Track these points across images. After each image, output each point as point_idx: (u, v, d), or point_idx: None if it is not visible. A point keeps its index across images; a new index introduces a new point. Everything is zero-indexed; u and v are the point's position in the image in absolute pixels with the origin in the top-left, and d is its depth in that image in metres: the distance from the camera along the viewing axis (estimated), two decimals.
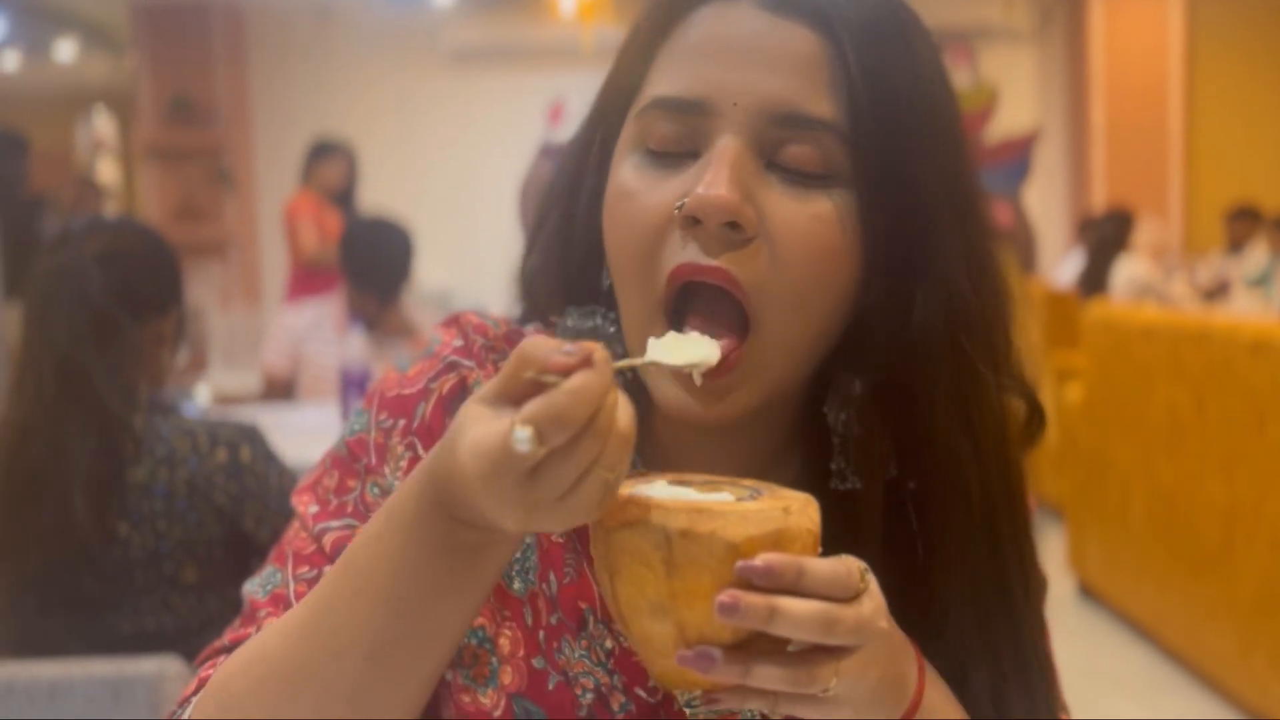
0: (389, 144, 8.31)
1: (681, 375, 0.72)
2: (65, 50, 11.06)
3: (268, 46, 8.90)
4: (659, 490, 0.66)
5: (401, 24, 8.70)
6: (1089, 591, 4.55)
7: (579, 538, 0.82)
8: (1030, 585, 0.81)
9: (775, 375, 0.74)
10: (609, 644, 0.80)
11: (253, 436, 1.82)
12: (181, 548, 1.75)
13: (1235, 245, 7.59)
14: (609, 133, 0.80)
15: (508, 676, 0.80)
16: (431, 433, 0.81)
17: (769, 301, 0.72)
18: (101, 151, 11.53)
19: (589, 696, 0.80)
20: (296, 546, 0.83)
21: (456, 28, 8.78)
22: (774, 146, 0.73)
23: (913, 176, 0.73)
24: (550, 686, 0.80)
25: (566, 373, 0.58)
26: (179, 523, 1.75)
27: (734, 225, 0.71)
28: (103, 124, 11.57)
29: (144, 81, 8.67)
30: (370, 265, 3.48)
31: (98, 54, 11.08)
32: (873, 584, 0.67)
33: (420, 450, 0.81)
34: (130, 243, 1.86)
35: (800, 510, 0.66)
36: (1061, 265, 7.95)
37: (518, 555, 0.82)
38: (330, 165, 5.72)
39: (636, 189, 0.75)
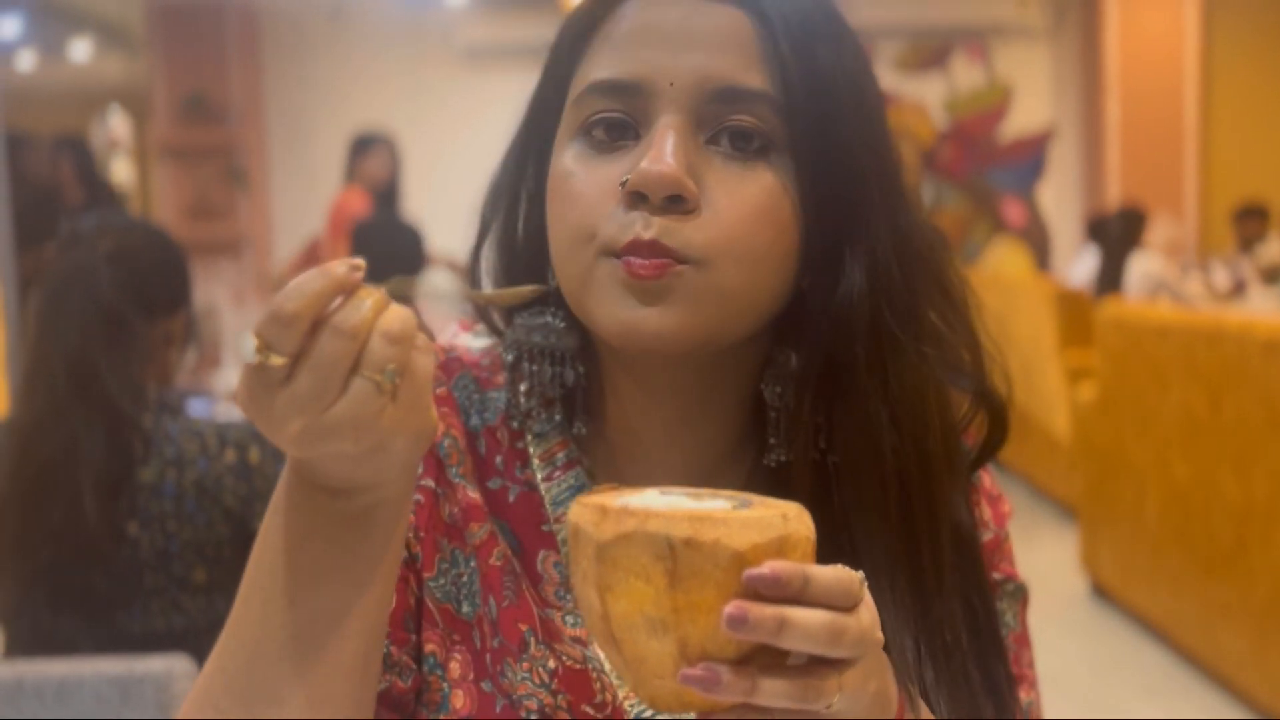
0: (402, 142, 8.26)
1: (629, 283, 0.73)
2: (80, 50, 11.10)
3: (282, 45, 8.92)
4: (652, 500, 0.62)
5: (415, 22, 8.71)
6: (1102, 591, 4.52)
7: (521, 559, 0.82)
8: (946, 573, 0.79)
9: (717, 314, 0.75)
10: (551, 664, 0.79)
11: (261, 437, 1.81)
12: (191, 549, 1.75)
13: (1245, 244, 7.57)
14: (547, 130, 0.82)
15: (459, 701, 0.79)
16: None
17: (711, 257, 0.73)
18: (116, 150, 11.57)
19: (533, 718, 0.78)
20: None
21: (470, 26, 8.78)
22: (713, 123, 0.75)
23: (844, 147, 0.76)
24: (498, 709, 0.79)
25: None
26: (188, 524, 1.75)
27: (677, 198, 0.73)
28: (118, 123, 11.60)
29: (158, 81, 8.71)
30: (380, 264, 3.48)
31: (113, 53, 11.12)
32: (867, 593, 0.64)
33: None
34: (140, 242, 1.86)
35: (797, 517, 0.62)
36: (1072, 264, 7.92)
37: (464, 580, 0.81)
38: (373, 157, 5.66)
39: (577, 170, 0.77)
